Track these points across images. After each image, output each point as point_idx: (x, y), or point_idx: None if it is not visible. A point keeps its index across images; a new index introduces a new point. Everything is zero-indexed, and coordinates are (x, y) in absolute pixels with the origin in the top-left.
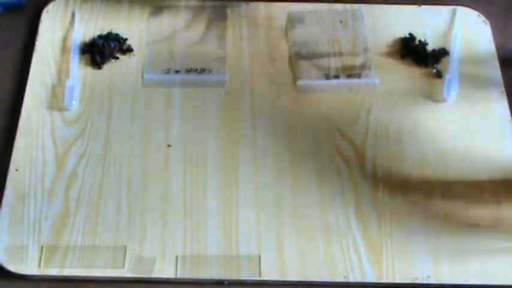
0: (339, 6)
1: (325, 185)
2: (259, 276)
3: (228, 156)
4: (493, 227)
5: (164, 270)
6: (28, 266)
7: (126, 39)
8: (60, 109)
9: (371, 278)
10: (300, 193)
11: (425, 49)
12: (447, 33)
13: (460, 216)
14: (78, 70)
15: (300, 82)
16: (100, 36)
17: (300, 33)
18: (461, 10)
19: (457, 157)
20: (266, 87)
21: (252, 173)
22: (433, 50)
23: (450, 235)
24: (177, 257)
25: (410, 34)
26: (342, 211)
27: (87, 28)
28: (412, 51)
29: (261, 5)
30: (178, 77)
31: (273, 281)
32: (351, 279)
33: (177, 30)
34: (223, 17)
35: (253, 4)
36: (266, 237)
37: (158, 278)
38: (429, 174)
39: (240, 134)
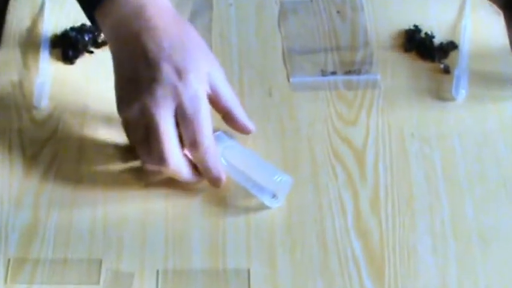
0: None
1: (321, 191)
2: None
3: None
4: (507, 240)
5: (144, 286)
6: None
7: (101, 31)
8: (29, 108)
9: None
10: (294, 200)
11: (431, 42)
12: (456, 25)
13: (471, 227)
14: (49, 65)
15: (293, 79)
16: (72, 28)
17: (294, 25)
18: None
19: (466, 161)
20: (256, 84)
21: None
22: (441, 44)
23: (460, 249)
24: (157, 272)
25: (416, 26)
26: (340, 220)
27: (59, 19)
28: (417, 44)
29: None
30: None
31: None
32: None
33: None
34: (208, 7)
35: None
36: (256, 249)
37: None
38: (436, 180)
39: None
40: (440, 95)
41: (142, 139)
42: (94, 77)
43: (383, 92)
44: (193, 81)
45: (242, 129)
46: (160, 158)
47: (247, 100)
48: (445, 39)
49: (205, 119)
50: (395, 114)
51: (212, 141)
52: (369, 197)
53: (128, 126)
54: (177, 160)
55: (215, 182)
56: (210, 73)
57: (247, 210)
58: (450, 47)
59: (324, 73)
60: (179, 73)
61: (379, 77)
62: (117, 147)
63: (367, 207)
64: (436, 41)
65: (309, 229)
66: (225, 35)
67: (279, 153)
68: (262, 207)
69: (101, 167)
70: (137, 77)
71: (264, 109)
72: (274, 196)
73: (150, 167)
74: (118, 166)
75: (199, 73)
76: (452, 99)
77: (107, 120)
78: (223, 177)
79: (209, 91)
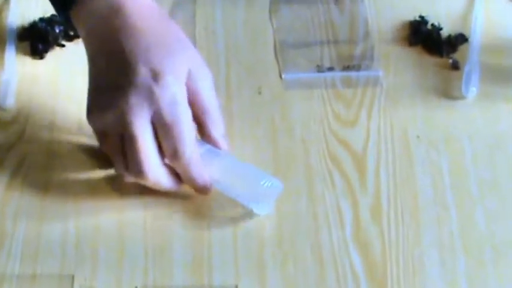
0: None
1: (317, 199)
2: None
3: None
4: None
5: None
6: None
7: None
8: None
9: None
10: (286, 209)
11: (439, 35)
12: (466, 16)
13: (482, 239)
14: (15, 61)
15: (285, 75)
16: (42, 19)
17: (287, 16)
18: None
19: (477, 167)
20: (245, 82)
21: None
22: (449, 36)
23: (470, 263)
24: None
25: (421, 17)
26: (337, 232)
27: (26, 9)
28: (423, 37)
29: None
30: None
31: None
32: None
33: None
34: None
35: None
36: (244, 263)
37: None
38: (444, 187)
39: None
40: (449, 93)
41: (117, 149)
42: (66, 73)
43: (385, 90)
44: (171, 84)
45: (216, 146)
46: (138, 171)
47: (235, 99)
48: (453, 31)
49: (186, 126)
50: (398, 114)
51: (195, 149)
52: (369, 206)
53: (100, 136)
54: (156, 171)
55: (201, 191)
56: (191, 73)
57: (235, 220)
58: (459, 40)
59: (319, 69)
60: (156, 76)
61: (380, 73)
62: (90, 152)
63: (368, 217)
64: (444, 33)
65: (302, 241)
66: (210, 29)
67: (269, 158)
68: (251, 216)
69: (73, 174)
70: (112, 82)
71: (254, 109)
72: (262, 202)
73: (127, 178)
74: (91, 173)
75: (178, 74)
76: (462, 97)
77: (79, 122)
78: (210, 184)
79: (188, 93)
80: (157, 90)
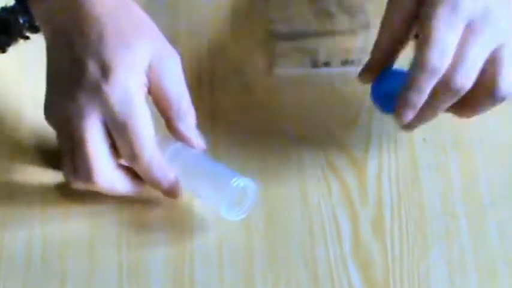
0: None
1: (311, 210)
2: None
3: None
4: None
5: None
6: None
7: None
8: None
9: None
10: (276, 221)
11: None
12: None
13: (495, 254)
14: None
15: (277, 70)
16: (4, 9)
17: (279, 4)
18: None
19: (490, 173)
20: (231, 76)
21: None
22: None
23: (482, 281)
24: None
25: None
26: (334, 247)
27: None
28: None
29: None
30: None
31: None
32: None
33: None
34: None
35: None
36: (231, 282)
37: None
38: (453, 196)
39: None
40: None
41: (66, 152)
42: (31, 69)
43: None
44: (122, 78)
45: (187, 143)
46: (87, 177)
47: (220, 97)
48: None
49: (142, 125)
50: None
51: (154, 150)
52: (370, 218)
53: (57, 135)
54: (108, 177)
55: (169, 194)
56: (152, 62)
57: (220, 232)
58: None
59: (315, 64)
60: (105, 70)
61: None
62: (58, 154)
63: (369, 230)
64: None
65: (295, 258)
66: (191, 17)
67: (257, 162)
68: (238, 228)
69: (39, 178)
70: (62, 80)
71: (240, 108)
72: (231, 205)
73: (76, 184)
74: (59, 176)
75: (132, 66)
76: None
77: (45, 122)
78: (178, 186)
79: (148, 85)
80: (106, 88)
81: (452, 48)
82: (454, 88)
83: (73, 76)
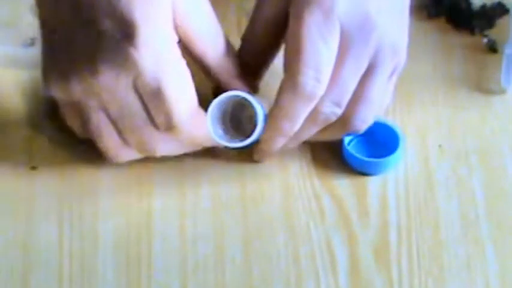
0: None
1: (298, 234)
2: None
3: (132, 188)
4: None
5: None
6: None
7: None
8: None
9: None
10: (257, 248)
11: (469, 4)
12: None
13: None
14: None
15: None
16: None
17: None
18: None
19: None
20: (203, 80)
21: (178, 211)
22: (483, 6)
23: None
24: None
25: None
26: (327, 279)
27: None
28: (447, 7)
29: None
30: None
31: None
32: None
33: None
34: None
35: None
36: None
37: None
38: (476, 217)
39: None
40: (483, 85)
41: (104, 124)
42: None
43: (395, 83)
44: (150, 38)
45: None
46: (167, 122)
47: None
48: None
49: (181, 89)
50: (414, 115)
51: (197, 118)
52: (372, 244)
53: (69, 108)
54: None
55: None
56: (176, 10)
57: (186, 263)
58: (498, 11)
59: None
60: (128, 31)
61: None
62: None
63: (370, 258)
64: (477, 1)
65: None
66: None
67: (235, 175)
68: (209, 261)
69: None
70: (74, 46)
71: None
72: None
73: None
74: None
75: (156, 17)
76: (501, 91)
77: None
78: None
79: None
80: (131, 50)
81: (329, 69)
82: (321, 116)
83: (89, 43)
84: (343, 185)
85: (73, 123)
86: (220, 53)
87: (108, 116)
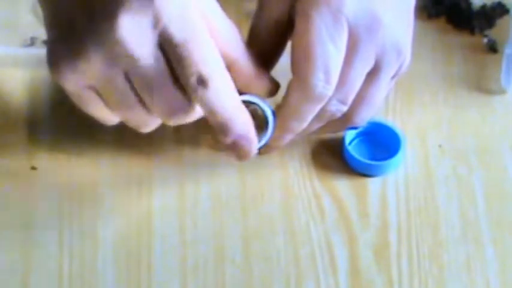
0: None
1: (298, 235)
2: None
3: (132, 188)
4: None
5: None
6: None
7: None
8: None
9: None
10: (255, 250)
11: (469, 4)
12: None
13: None
14: None
15: None
16: None
17: None
18: None
19: None
20: None
21: (178, 211)
22: (483, 6)
23: None
24: None
25: None
26: (327, 280)
27: None
28: (447, 7)
29: None
30: None
31: None
32: None
33: None
34: None
35: None
36: None
37: None
38: (477, 218)
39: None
40: (483, 85)
41: (127, 95)
42: None
43: (396, 81)
44: None
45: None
46: (177, 109)
47: None
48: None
49: (207, 42)
50: (413, 115)
51: (226, 74)
52: (372, 244)
53: (83, 92)
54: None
55: (236, 147)
56: None
57: (185, 263)
58: (498, 11)
59: None
60: None
61: None
62: None
63: (370, 259)
64: (477, 1)
65: None
66: None
67: (234, 177)
68: (208, 259)
69: None
70: (92, 7)
71: None
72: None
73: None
74: None
75: None
76: (501, 91)
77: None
78: (251, 135)
79: None
80: (155, 1)
81: (338, 70)
82: (327, 114)
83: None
84: (343, 185)
85: (92, 106)
86: (241, 53)
87: (135, 81)
